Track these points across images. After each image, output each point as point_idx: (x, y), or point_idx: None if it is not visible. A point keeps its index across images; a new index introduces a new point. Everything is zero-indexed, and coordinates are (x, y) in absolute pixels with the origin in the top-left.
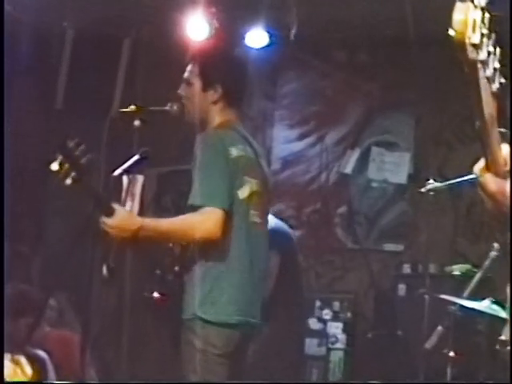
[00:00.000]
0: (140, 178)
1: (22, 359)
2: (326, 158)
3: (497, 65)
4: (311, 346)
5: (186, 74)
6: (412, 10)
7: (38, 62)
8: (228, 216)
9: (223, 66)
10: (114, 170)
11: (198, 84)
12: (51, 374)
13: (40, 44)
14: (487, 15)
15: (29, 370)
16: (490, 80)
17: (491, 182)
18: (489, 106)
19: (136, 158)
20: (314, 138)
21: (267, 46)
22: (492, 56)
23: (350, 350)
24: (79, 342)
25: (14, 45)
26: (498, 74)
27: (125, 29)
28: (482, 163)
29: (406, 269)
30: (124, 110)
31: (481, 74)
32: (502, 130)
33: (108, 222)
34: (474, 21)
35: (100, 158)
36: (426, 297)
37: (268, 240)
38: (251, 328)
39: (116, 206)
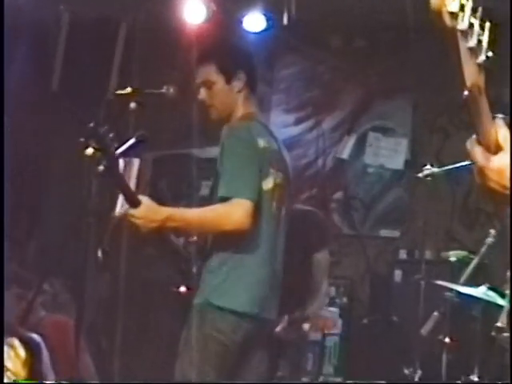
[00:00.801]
0: (136, 162)
1: (16, 342)
2: (323, 143)
3: (483, 38)
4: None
5: (200, 79)
6: None
7: (34, 45)
8: (256, 208)
9: (239, 52)
10: None
11: (220, 80)
12: (45, 357)
13: (36, 27)
14: None
15: (22, 353)
16: (474, 51)
17: (479, 155)
18: (473, 77)
19: (132, 141)
20: (310, 123)
21: (264, 30)
22: (476, 28)
23: (345, 336)
24: (74, 326)
25: (11, 28)
26: (484, 46)
27: (121, 12)
28: (474, 136)
29: (402, 254)
30: (120, 92)
31: (462, 43)
32: (501, 115)
33: (135, 214)
34: None
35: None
36: (422, 283)
37: (285, 232)
38: (263, 322)
39: (142, 197)
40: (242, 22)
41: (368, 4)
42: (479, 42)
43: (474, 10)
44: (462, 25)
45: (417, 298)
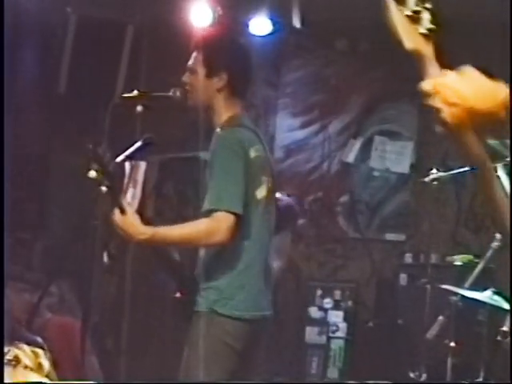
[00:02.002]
0: (142, 165)
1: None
2: (329, 146)
3: (421, 10)
4: (312, 334)
5: (190, 62)
6: None
7: (41, 47)
8: (241, 219)
9: (228, 52)
10: (116, 156)
11: (202, 71)
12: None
13: (43, 29)
14: None
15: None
16: (414, 20)
17: (461, 82)
18: (414, 41)
19: (138, 144)
20: (316, 126)
21: (270, 33)
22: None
23: (350, 339)
24: (80, 328)
25: (18, 30)
26: (423, 17)
27: (128, 14)
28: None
29: (408, 258)
30: (127, 95)
31: (397, 12)
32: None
33: (116, 221)
34: None
35: (102, 143)
36: (428, 287)
37: (272, 230)
38: (264, 320)
39: (129, 210)
40: (248, 26)
41: (374, 7)
42: (417, 12)
43: None
44: None
45: (422, 301)
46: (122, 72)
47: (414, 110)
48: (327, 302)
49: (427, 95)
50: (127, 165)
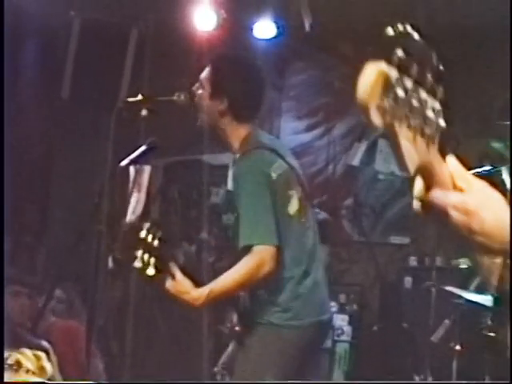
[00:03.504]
0: (147, 169)
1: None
2: (334, 149)
3: (432, 112)
4: None
5: (202, 75)
6: (421, 3)
7: (44, 52)
8: (279, 249)
9: (232, 79)
10: (121, 161)
11: (207, 89)
12: (53, 364)
13: (47, 33)
14: (414, 65)
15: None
16: (419, 128)
17: (442, 195)
18: (418, 157)
19: (143, 148)
20: (321, 129)
21: (275, 37)
22: (422, 106)
23: (355, 343)
24: (84, 331)
25: (21, 34)
26: (432, 117)
27: (132, 18)
28: (420, 185)
29: (413, 261)
30: (131, 99)
31: (401, 130)
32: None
33: (169, 288)
34: (388, 82)
35: (107, 147)
36: (433, 290)
37: (318, 236)
38: (324, 324)
39: (178, 275)
40: (252, 29)
41: (378, 11)
42: (425, 117)
43: (420, 85)
44: (399, 113)
45: (427, 304)
46: (126, 76)
47: None
48: (332, 306)
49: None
50: (132, 169)
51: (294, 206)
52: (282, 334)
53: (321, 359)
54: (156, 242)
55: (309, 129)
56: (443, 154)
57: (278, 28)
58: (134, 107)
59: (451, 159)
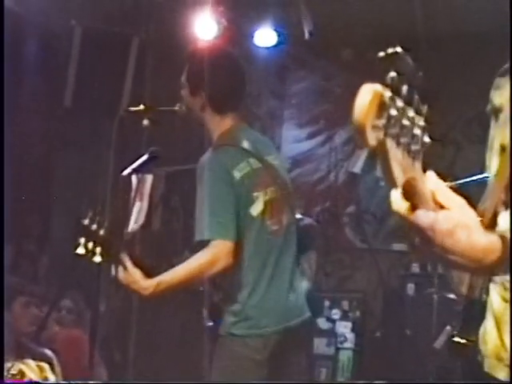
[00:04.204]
0: (149, 178)
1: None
2: (335, 157)
3: (418, 129)
4: (320, 345)
5: (182, 76)
6: (421, 8)
7: (46, 60)
8: (238, 243)
9: (207, 71)
10: (123, 170)
11: (187, 87)
12: (57, 374)
13: (48, 42)
14: (404, 87)
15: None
16: (407, 145)
17: (424, 216)
18: (405, 173)
19: (145, 157)
20: (323, 137)
21: (275, 45)
22: (410, 125)
23: (358, 350)
24: (88, 340)
25: (23, 43)
26: (418, 135)
27: (133, 27)
28: (400, 201)
29: (415, 268)
30: (133, 109)
31: (392, 149)
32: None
33: (120, 279)
34: (382, 103)
35: (109, 156)
36: (435, 296)
37: (294, 239)
38: (294, 329)
39: (129, 266)
40: (253, 37)
41: (379, 17)
42: (413, 135)
43: (409, 105)
44: (391, 132)
45: (430, 311)
46: (128, 85)
47: None
48: (335, 313)
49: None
50: (134, 178)
51: (257, 208)
52: (246, 342)
53: (311, 365)
54: (102, 231)
55: (310, 136)
56: (425, 170)
57: (278, 36)
58: (135, 117)
59: (431, 174)
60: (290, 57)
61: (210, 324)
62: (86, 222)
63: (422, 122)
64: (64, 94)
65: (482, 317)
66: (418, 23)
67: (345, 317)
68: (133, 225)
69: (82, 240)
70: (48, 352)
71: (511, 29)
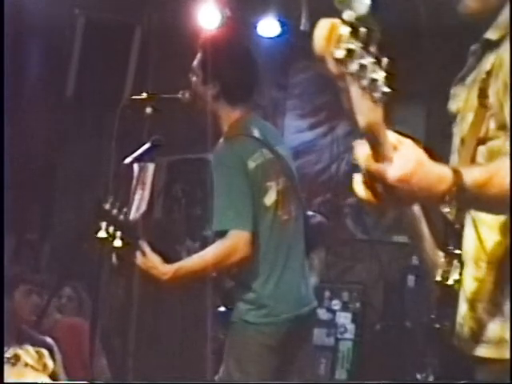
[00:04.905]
0: (151, 167)
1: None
2: (337, 148)
3: (378, 75)
4: (320, 336)
5: (194, 63)
6: (423, 1)
7: (49, 50)
8: (254, 236)
9: (222, 61)
10: (124, 158)
11: (200, 75)
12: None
13: (51, 31)
14: (362, 29)
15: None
16: (368, 90)
17: (395, 167)
18: (368, 115)
19: (147, 145)
20: (325, 128)
21: (279, 35)
22: (369, 67)
23: (358, 341)
24: (89, 329)
25: (26, 33)
26: (379, 83)
27: (136, 16)
28: (365, 151)
29: (415, 260)
30: (135, 97)
31: (353, 85)
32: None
33: (139, 264)
34: (340, 36)
35: (111, 145)
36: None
37: (302, 229)
38: (303, 317)
39: (148, 251)
40: (256, 28)
41: (381, 9)
42: (373, 80)
43: (366, 50)
44: (351, 68)
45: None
46: (130, 74)
47: (422, 112)
48: (335, 304)
49: (364, 163)
50: (135, 166)
51: (271, 198)
52: (260, 328)
53: (312, 355)
54: (122, 217)
55: (312, 127)
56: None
57: (282, 26)
58: (138, 105)
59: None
60: (293, 47)
61: (222, 310)
62: (108, 206)
63: (382, 72)
64: (66, 83)
65: (456, 301)
66: (421, 15)
67: (345, 308)
68: (134, 213)
69: (104, 224)
70: (48, 340)
71: (511, 29)
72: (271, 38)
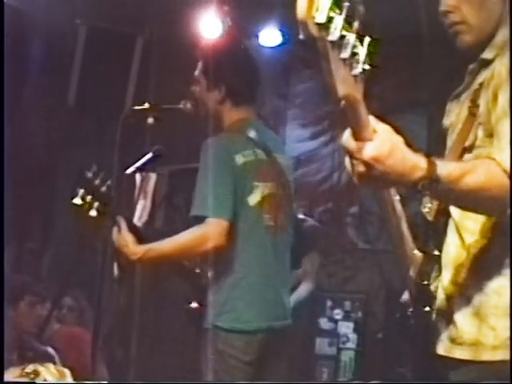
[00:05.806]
0: (153, 176)
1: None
2: (339, 157)
3: (359, 50)
4: (322, 345)
5: (196, 72)
6: (425, 9)
7: (50, 59)
8: (233, 225)
9: (226, 65)
10: (127, 168)
11: (203, 83)
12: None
13: (53, 41)
14: (344, 1)
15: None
16: (349, 63)
17: (372, 146)
18: (347, 87)
19: (149, 155)
20: (326, 137)
21: (280, 44)
22: (350, 40)
23: (360, 350)
24: (90, 338)
25: (27, 41)
26: (360, 58)
27: (138, 26)
28: (347, 133)
29: None
30: (137, 107)
31: (333, 54)
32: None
33: (114, 239)
34: (322, 1)
35: (113, 155)
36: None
37: (289, 241)
38: (275, 331)
39: (124, 228)
40: (257, 37)
41: (382, 17)
42: (354, 54)
43: (348, 23)
44: (332, 36)
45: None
46: (132, 84)
47: (423, 121)
48: (337, 313)
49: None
50: (138, 176)
51: (255, 198)
52: (232, 341)
53: (314, 364)
54: (104, 188)
55: (314, 137)
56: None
57: (283, 36)
58: (140, 115)
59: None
60: (294, 57)
61: (196, 306)
62: (90, 174)
63: (363, 49)
64: (68, 93)
65: (432, 300)
66: (423, 23)
67: (347, 317)
68: (136, 222)
69: (81, 191)
70: (50, 350)
71: (511, 29)
72: (272, 47)
